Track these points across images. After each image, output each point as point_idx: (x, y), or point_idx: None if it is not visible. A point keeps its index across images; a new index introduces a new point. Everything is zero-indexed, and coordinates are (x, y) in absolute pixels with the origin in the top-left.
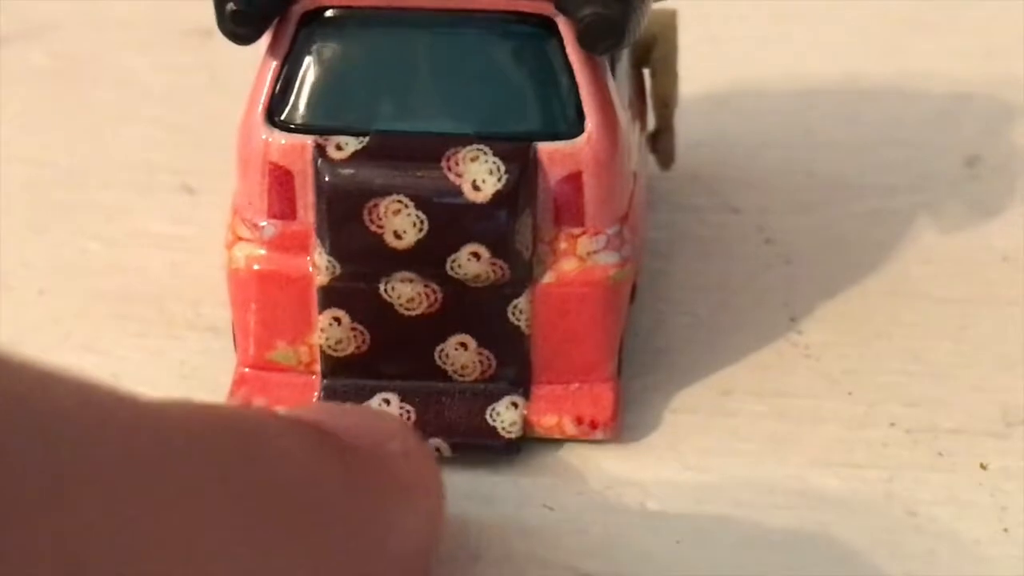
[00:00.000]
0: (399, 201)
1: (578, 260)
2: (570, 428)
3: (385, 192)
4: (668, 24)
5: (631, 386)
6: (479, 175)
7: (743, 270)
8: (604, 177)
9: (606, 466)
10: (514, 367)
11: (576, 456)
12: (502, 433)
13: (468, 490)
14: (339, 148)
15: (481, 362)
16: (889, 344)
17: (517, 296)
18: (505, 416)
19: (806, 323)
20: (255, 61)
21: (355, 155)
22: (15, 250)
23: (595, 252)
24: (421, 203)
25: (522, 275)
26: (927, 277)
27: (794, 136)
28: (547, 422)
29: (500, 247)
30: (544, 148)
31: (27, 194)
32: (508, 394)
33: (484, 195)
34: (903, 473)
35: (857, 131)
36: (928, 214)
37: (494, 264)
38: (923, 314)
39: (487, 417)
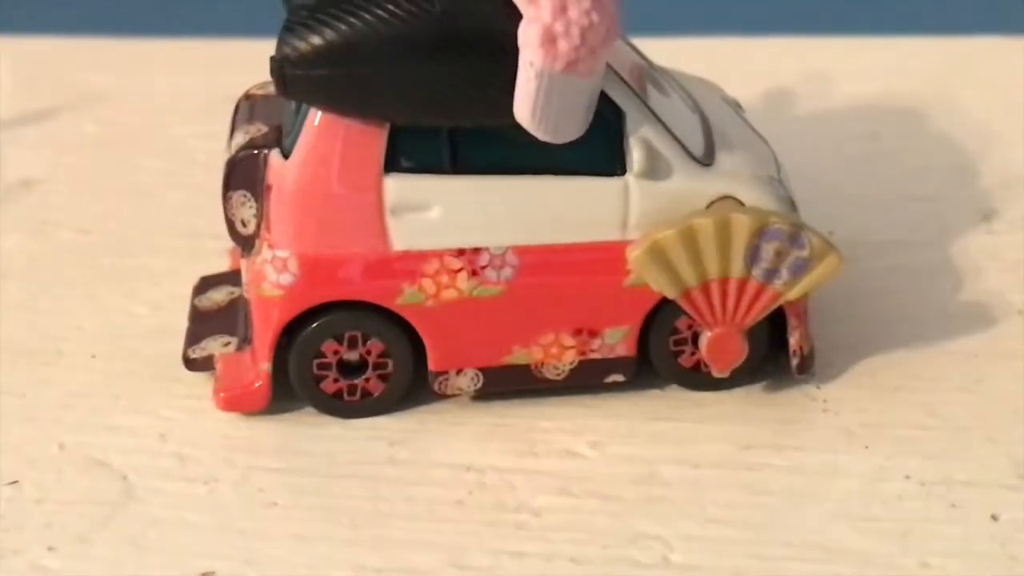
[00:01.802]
0: None
1: (255, 260)
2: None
3: None
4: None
5: (653, 439)
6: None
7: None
8: (284, 200)
9: (631, 521)
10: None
11: (603, 510)
12: None
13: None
14: None
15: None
16: (906, 398)
17: None
18: None
19: (825, 377)
20: None
21: None
22: (68, 315)
23: (265, 261)
24: None
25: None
26: (944, 331)
27: (817, 193)
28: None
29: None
30: (274, 160)
31: (79, 260)
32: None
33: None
34: (917, 526)
35: (878, 188)
36: (946, 269)
37: None
38: (940, 368)
39: None
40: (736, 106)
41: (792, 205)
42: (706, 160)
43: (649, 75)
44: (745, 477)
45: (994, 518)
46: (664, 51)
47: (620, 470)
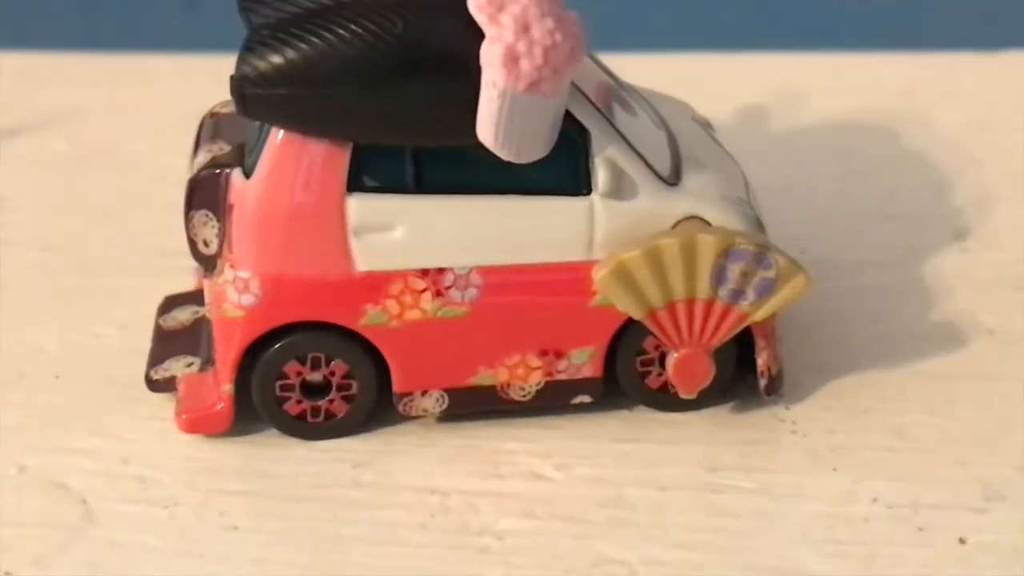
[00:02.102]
0: None
1: (217, 281)
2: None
3: None
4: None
5: (619, 460)
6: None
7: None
8: (245, 219)
9: (595, 544)
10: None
11: (568, 533)
12: None
13: None
14: None
15: None
16: (875, 419)
17: None
18: None
19: (793, 398)
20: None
21: None
22: (32, 335)
23: (226, 282)
24: None
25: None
26: (914, 352)
27: (788, 212)
28: None
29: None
30: (236, 179)
31: (44, 279)
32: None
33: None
34: (883, 549)
35: (850, 207)
36: (917, 289)
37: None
38: (909, 389)
39: None
40: (706, 125)
41: (759, 225)
42: (672, 180)
43: (616, 94)
44: (711, 499)
45: (962, 541)
46: (634, 68)
47: (585, 492)
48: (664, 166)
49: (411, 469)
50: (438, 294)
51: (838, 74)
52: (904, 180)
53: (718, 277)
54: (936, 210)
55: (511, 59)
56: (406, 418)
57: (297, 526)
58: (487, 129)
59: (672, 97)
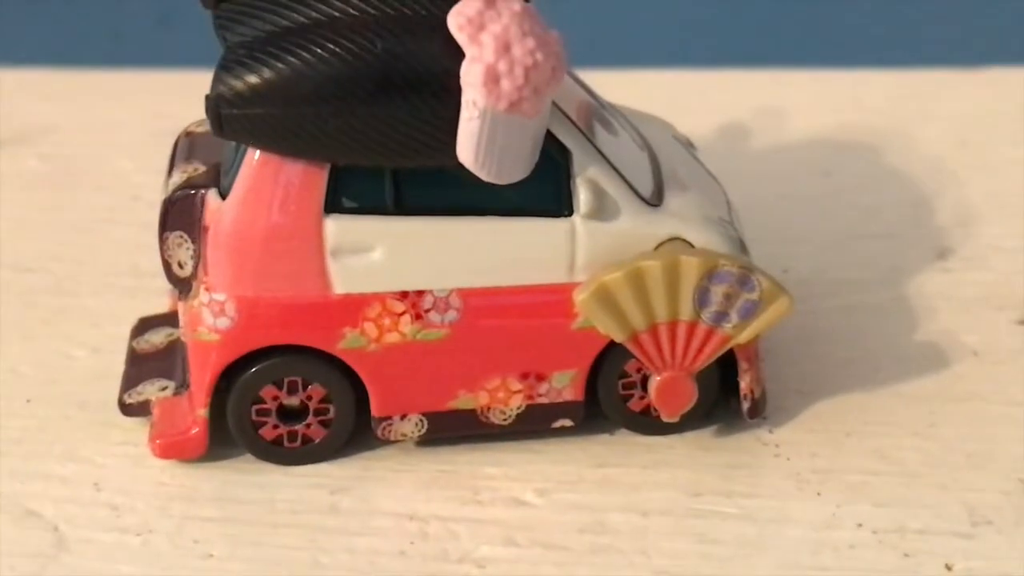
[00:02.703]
0: None
1: (192, 303)
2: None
3: None
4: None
5: (601, 485)
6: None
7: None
8: (221, 241)
9: (577, 571)
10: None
11: (548, 560)
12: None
13: None
14: None
15: None
16: (859, 442)
17: None
18: None
19: (777, 421)
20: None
21: None
22: (4, 358)
23: (201, 304)
24: None
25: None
26: (898, 373)
27: (770, 232)
28: None
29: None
30: (212, 200)
31: (16, 300)
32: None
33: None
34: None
35: (832, 226)
36: (900, 309)
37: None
38: (893, 411)
39: None
40: (687, 144)
41: (742, 246)
42: (655, 200)
43: (597, 113)
44: (694, 525)
45: (948, 568)
46: (616, 84)
47: (567, 518)
48: (646, 187)
49: (389, 495)
50: (417, 317)
51: (821, 91)
52: (886, 198)
53: (701, 299)
54: (919, 229)
55: (492, 79)
56: (385, 443)
57: (273, 553)
58: (467, 149)
59: (653, 116)
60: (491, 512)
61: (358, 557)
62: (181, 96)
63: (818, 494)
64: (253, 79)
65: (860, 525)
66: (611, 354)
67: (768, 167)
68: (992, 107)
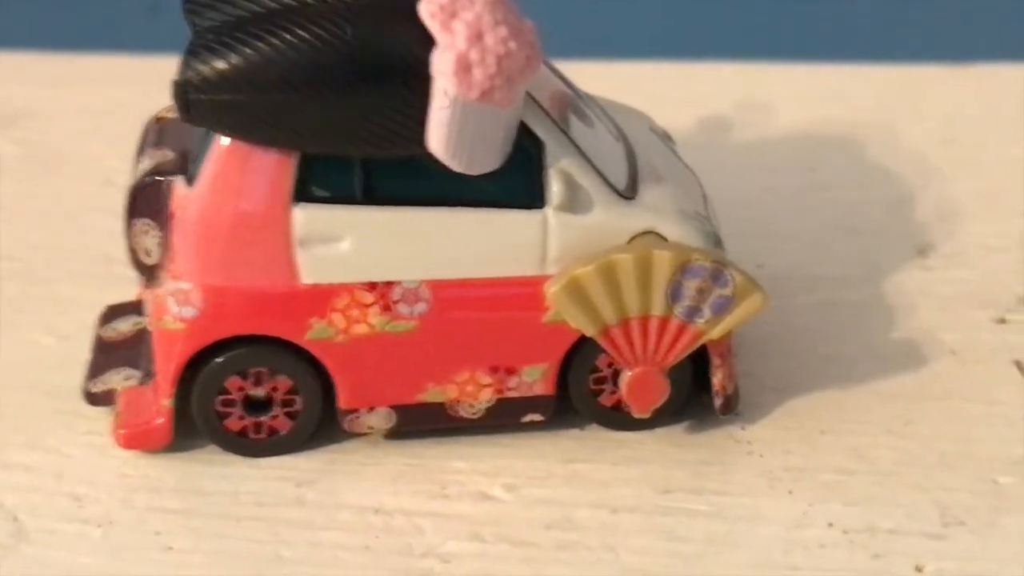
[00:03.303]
0: None
1: (157, 292)
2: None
3: None
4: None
5: (571, 481)
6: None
7: None
8: (187, 229)
9: (543, 568)
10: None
11: (514, 556)
12: None
13: None
14: None
15: None
16: (833, 441)
17: None
18: None
19: (750, 418)
20: None
21: None
22: None
23: (167, 293)
24: None
25: None
26: (874, 371)
27: (748, 226)
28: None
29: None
30: (179, 187)
31: None
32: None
33: None
34: None
35: (812, 221)
36: (878, 306)
37: None
38: (868, 410)
39: None
40: (665, 137)
41: (717, 241)
42: (629, 193)
43: (573, 104)
44: (663, 522)
45: (918, 569)
46: (595, 76)
47: (535, 514)
48: (620, 179)
49: (355, 488)
50: (386, 308)
51: (807, 85)
52: (868, 194)
53: (674, 294)
54: (900, 225)
55: (463, 67)
56: (352, 435)
57: (235, 546)
58: (438, 139)
59: (632, 108)
60: (458, 507)
61: (321, 551)
62: (163, 83)
63: (790, 492)
64: (221, 64)
65: (831, 524)
66: (582, 348)
67: (750, 161)
68: (980, 104)
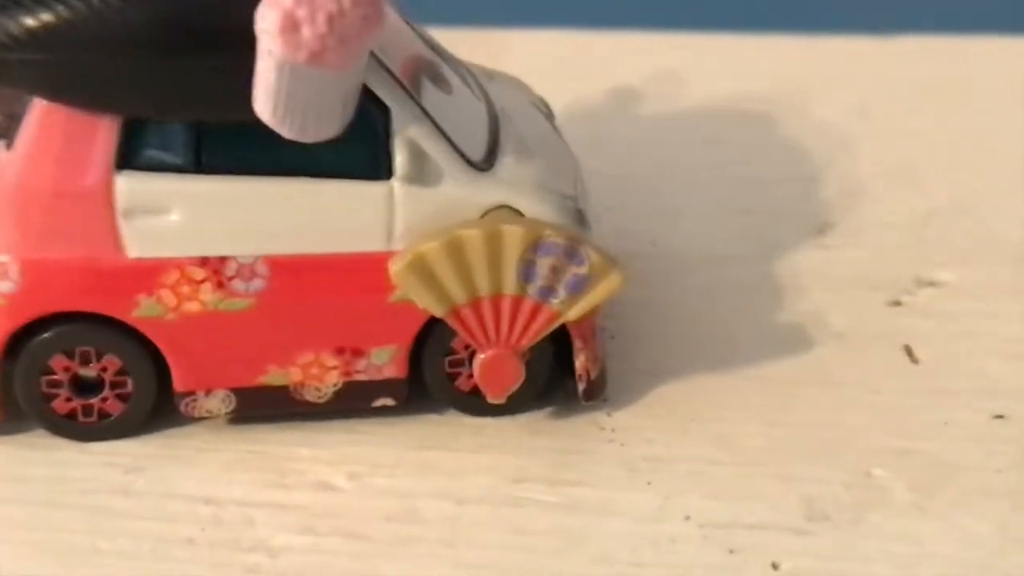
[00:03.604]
0: None
1: None
2: None
3: None
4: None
5: (419, 470)
6: None
7: None
8: (4, 198)
9: (376, 564)
10: None
11: (347, 551)
12: None
13: None
14: None
15: None
16: (701, 429)
17: None
18: None
19: (618, 404)
20: None
21: None
22: None
23: None
24: None
25: None
26: (755, 355)
27: (643, 204)
28: None
29: None
30: None
31: None
32: None
33: None
34: (688, 573)
35: (712, 199)
36: (770, 286)
37: None
38: (742, 396)
39: None
40: (543, 108)
41: (581, 219)
42: (484, 165)
43: (430, 69)
44: (510, 515)
45: (774, 567)
46: (489, 45)
47: (375, 505)
48: (477, 150)
49: (189, 476)
50: (219, 285)
51: (717, 56)
52: (772, 171)
53: (526, 272)
54: (801, 203)
55: (289, 26)
56: (193, 420)
57: (50, 537)
58: (264, 104)
59: (510, 77)
60: (295, 497)
61: (140, 543)
62: None
63: (648, 483)
64: (31, 21)
65: (688, 518)
66: (436, 329)
67: (648, 135)
68: (897, 77)
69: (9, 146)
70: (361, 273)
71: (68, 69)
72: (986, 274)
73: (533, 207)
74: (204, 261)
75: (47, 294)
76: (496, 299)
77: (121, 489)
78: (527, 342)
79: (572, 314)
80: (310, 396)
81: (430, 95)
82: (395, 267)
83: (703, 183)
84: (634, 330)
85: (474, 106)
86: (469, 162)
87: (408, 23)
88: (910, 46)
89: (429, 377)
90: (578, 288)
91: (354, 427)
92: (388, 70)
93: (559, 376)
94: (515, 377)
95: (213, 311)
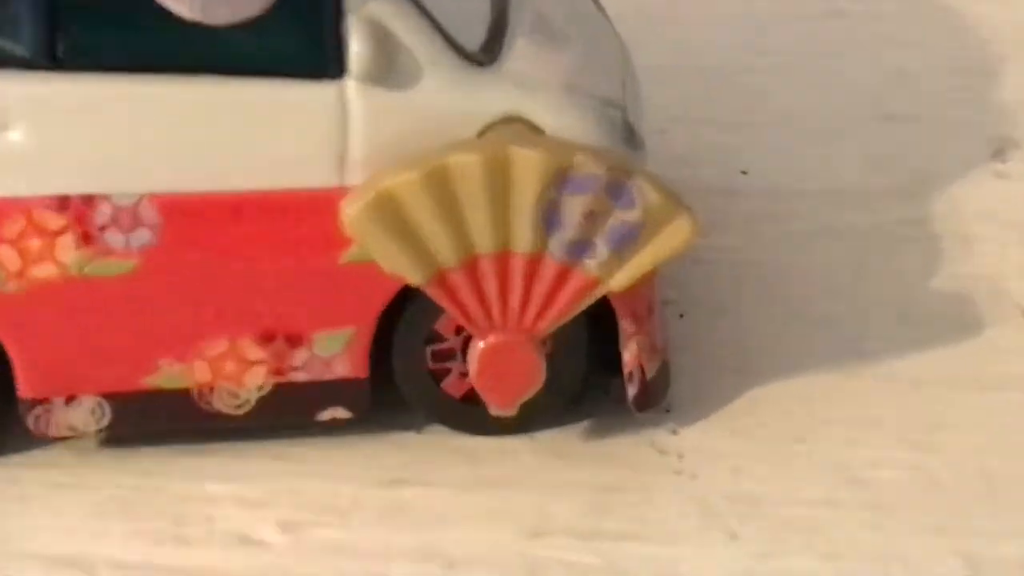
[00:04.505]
0: None
1: None
2: None
3: None
4: None
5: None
6: None
7: None
8: None
9: None
10: None
11: None
12: None
13: None
14: None
15: None
16: (812, 454)
17: None
18: None
19: (688, 417)
20: None
21: None
22: None
23: None
24: None
25: None
26: (893, 344)
27: (724, 110)
28: None
29: None
30: None
31: None
32: None
33: None
34: None
35: (828, 103)
36: (917, 237)
37: None
38: (873, 405)
39: None
40: None
41: (631, 137)
42: (484, 57)
43: None
44: None
45: None
46: None
47: (321, 569)
48: (474, 35)
49: (40, 526)
50: (86, 239)
51: None
52: (928, 60)
53: (548, 219)
54: (971, 112)
55: None
56: (47, 441)
57: None
58: None
59: None
60: (200, 557)
61: None
62: None
63: (733, 537)
64: None
65: None
66: (414, 304)
67: (736, 7)
68: None
69: None
70: (299, 220)
71: None
72: None
73: (557, 118)
74: (62, 202)
75: None
76: (502, 257)
77: None
78: (548, 325)
79: (618, 282)
80: (223, 406)
81: None
82: (350, 210)
83: (820, 80)
84: (712, 305)
85: None
86: (461, 52)
87: None
88: None
89: (402, 377)
90: (626, 242)
91: (289, 452)
92: None
93: (598, 375)
94: (532, 377)
95: (77, 278)
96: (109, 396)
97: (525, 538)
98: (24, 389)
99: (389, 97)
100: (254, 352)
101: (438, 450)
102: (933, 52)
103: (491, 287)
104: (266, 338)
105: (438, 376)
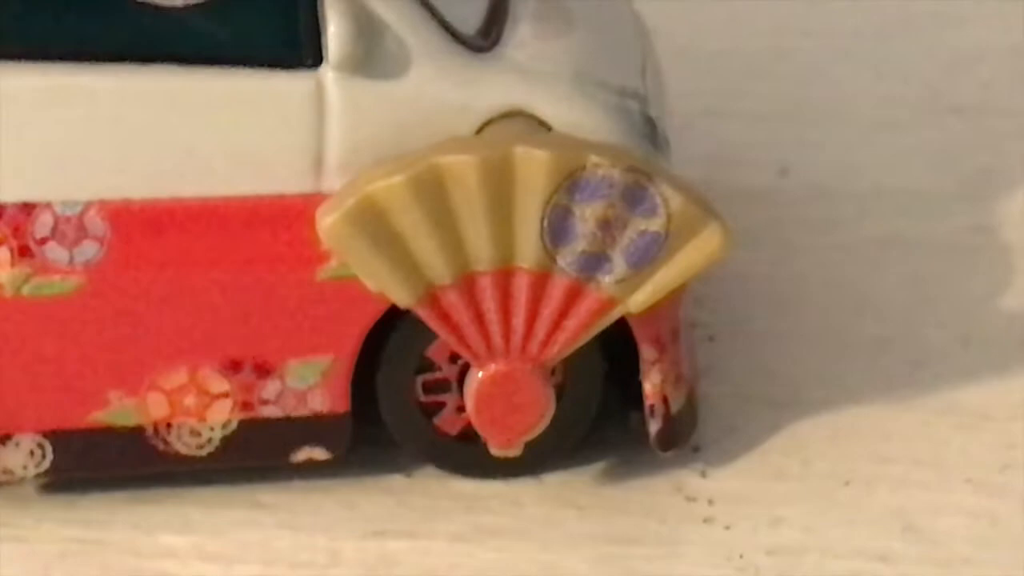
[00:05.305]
0: None
1: None
2: None
3: None
4: None
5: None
6: None
7: None
8: None
9: None
10: None
11: None
12: None
13: None
14: None
15: None
16: (862, 500)
17: None
18: None
19: (719, 457)
20: None
21: None
22: None
23: None
24: None
25: None
26: (956, 371)
27: (760, 103)
28: None
29: None
30: None
31: None
32: None
33: None
34: None
35: (879, 92)
36: (985, 248)
37: None
38: (933, 442)
39: None
40: None
41: (653, 134)
42: (483, 42)
43: None
44: None
45: None
46: None
47: None
48: (470, 16)
49: None
50: (24, 253)
51: None
52: (990, 39)
53: (557, 229)
54: None
55: None
56: None
57: None
58: None
59: None
60: None
61: None
62: None
63: None
64: None
65: None
66: (400, 328)
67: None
68: None
69: None
70: (269, 231)
71: None
72: None
73: (567, 113)
74: None
75: None
76: (504, 275)
77: None
78: (559, 350)
79: (637, 301)
80: (183, 446)
81: None
82: (328, 219)
83: (872, 65)
84: (747, 327)
85: None
86: (456, 36)
87: None
88: None
89: (389, 411)
90: (647, 256)
91: (260, 498)
92: None
93: (616, 409)
94: (538, 411)
95: (13, 299)
96: (50, 435)
97: None
98: None
99: (372, 88)
100: (218, 384)
101: (430, 496)
102: (1003, 33)
103: (491, 308)
104: (232, 368)
105: (430, 411)
